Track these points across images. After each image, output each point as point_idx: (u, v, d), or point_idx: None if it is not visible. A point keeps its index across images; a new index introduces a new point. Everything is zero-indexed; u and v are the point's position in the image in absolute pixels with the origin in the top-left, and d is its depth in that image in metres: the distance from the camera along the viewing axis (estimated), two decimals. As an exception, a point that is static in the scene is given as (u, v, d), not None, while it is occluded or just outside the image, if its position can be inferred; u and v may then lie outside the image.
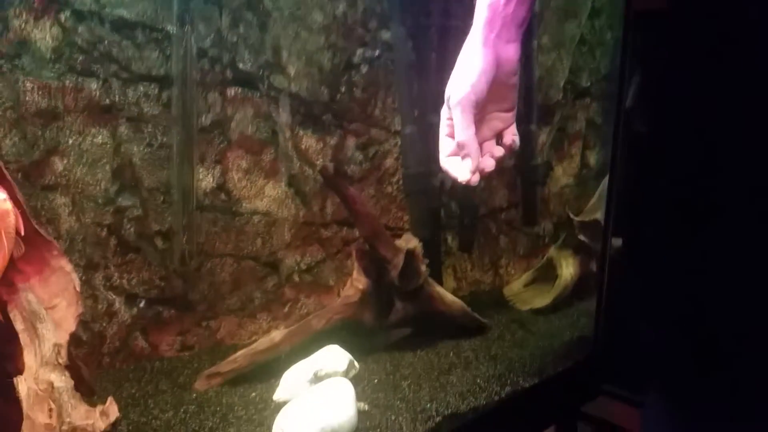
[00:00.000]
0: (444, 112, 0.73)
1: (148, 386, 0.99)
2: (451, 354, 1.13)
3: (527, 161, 1.46)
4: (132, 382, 1.00)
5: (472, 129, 0.71)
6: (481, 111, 0.72)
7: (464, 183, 0.72)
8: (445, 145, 0.74)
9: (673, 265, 0.63)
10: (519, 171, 1.51)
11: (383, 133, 1.35)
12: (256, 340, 1.04)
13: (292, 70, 1.20)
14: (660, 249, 0.64)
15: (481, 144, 0.73)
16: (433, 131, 1.23)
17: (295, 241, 1.26)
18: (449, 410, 0.89)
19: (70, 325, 0.67)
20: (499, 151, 0.74)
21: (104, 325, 1.05)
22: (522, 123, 1.48)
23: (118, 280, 1.06)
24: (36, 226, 0.70)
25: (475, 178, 0.71)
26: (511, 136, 0.75)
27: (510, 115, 0.75)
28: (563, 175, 1.71)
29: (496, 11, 0.71)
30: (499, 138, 0.75)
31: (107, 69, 1.01)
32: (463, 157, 0.72)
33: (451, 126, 0.72)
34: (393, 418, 0.86)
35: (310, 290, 1.30)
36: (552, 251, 1.44)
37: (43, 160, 0.98)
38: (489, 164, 0.72)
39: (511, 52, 0.72)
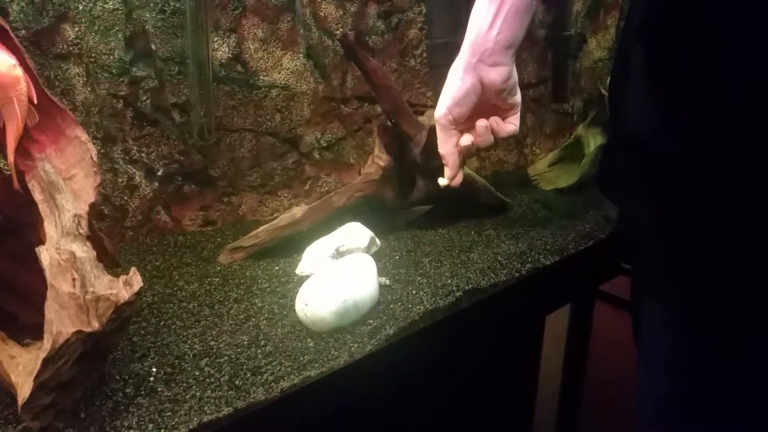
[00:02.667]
0: None
1: (173, 259, 1.00)
2: (473, 232, 1.12)
3: (559, 32, 1.37)
4: (156, 255, 1.02)
5: (452, 143, 0.80)
6: (476, 111, 0.78)
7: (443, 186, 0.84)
8: None
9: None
10: (550, 43, 1.42)
11: (407, 0, 1.27)
12: (277, 217, 1.04)
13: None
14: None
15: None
16: (461, -2, 1.16)
17: (314, 117, 1.22)
18: (469, 286, 0.90)
19: (89, 196, 0.66)
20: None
21: (126, 198, 1.05)
22: (557, -10, 1.40)
23: (137, 154, 1.05)
24: (49, 95, 0.67)
25: (455, 182, 0.84)
26: (507, 124, 0.80)
27: (509, 112, 0.80)
28: (597, 47, 1.62)
29: (479, 34, 0.71)
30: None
31: (112, -74, 0.94)
32: (444, 165, 0.82)
33: None
34: (414, 292, 0.86)
35: (330, 168, 1.28)
36: (580, 129, 1.39)
37: (53, 28, 0.93)
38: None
39: (495, 75, 0.73)
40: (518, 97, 0.79)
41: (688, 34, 0.55)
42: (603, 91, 1.33)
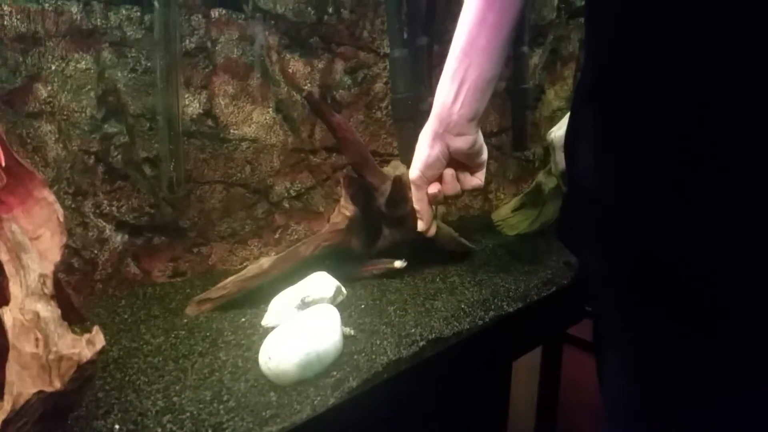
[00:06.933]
0: None
1: (141, 312, 1.01)
2: (438, 279, 1.15)
3: (518, 85, 1.43)
4: (125, 307, 1.02)
5: (425, 200, 0.86)
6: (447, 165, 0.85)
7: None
8: None
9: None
10: (510, 95, 1.48)
11: (372, 57, 1.32)
12: (246, 267, 1.05)
13: (276, -9, 1.16)
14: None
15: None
16: (423, 54, 1.22)
17: (284, 168, 1.25)
18: (433, 335, 0.91)
19: (55, 256, 0.68)
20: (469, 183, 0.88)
21: (95, 252, 1.06)
22: (514, 45, 1.45)
23: (108, 208, 1.07)
24: (17, 157, 0.69)
25: (430, 233, 0.91)
26: (473, 178, 0.87)
27: (476, 169, 0.87)
28: (555, 98, 1.68)
29: (444, 107, 0.78)
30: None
31: (86, -9, 0.98)
32: (419, 218, 0.89)
33: None
34: (378, 342, 0.88)
35: (300, 217, 1.31)
36: (541, 176, 1.43)
37: (26, 87, 0.96)
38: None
39: (461, 143, 0.80)
40: (484, 156, 0.85)
41: (629, 103, 0.59)
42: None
